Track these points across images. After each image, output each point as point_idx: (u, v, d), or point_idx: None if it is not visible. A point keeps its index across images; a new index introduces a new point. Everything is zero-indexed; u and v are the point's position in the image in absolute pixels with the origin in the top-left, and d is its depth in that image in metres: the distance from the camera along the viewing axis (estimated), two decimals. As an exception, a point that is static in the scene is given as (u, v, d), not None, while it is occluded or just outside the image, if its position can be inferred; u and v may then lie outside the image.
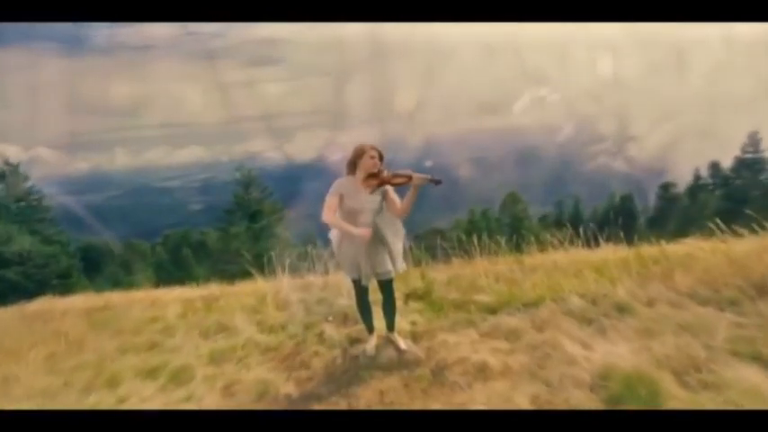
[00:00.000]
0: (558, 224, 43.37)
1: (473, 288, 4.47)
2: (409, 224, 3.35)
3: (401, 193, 3.09)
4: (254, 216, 32.02)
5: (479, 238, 5.68)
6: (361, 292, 3.37)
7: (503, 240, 5.89)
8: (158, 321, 5.39)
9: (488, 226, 35.78)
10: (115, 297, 9.62)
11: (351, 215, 3.02)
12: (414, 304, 4.36)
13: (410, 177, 2.86)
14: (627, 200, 42.51)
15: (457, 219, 44.11)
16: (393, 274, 3.23)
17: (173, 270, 42.92)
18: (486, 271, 4.89)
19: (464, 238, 5.96)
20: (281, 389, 3.13)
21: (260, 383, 3.22)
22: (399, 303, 4.33)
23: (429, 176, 2.82)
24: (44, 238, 31.07)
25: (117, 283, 31.95)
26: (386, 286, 3.29)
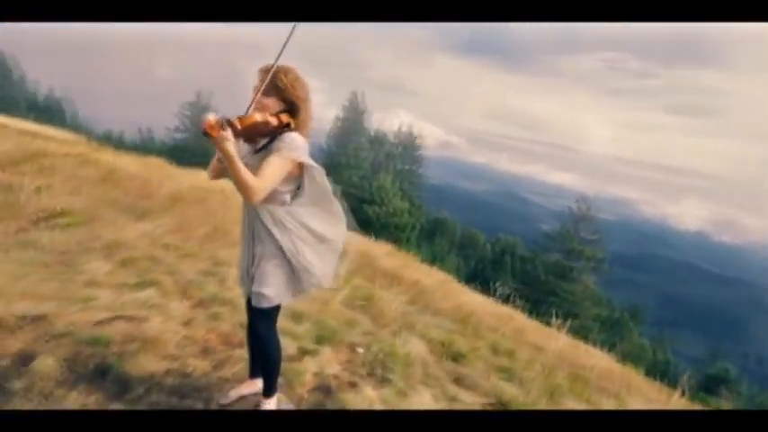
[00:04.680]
0: None
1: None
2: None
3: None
4: (569, 253, 29.59)
5: None
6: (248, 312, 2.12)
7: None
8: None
9: None
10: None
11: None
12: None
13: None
14: None
15: None
16: (268, 302, 1.84)
17: (480, 272, 45.42)
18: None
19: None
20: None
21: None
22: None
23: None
24: (404, 195, 38.76)
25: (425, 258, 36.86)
26: (253, 318, 1.97)
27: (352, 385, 2.82)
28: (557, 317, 5.85)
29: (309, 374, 2.79)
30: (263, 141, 1.76)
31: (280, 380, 2.66)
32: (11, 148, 7.98)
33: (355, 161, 40.55)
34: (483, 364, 4.09)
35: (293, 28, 1.69)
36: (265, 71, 1.74)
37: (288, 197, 1.78)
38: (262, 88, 1.71)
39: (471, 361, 4.02)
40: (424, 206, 43.52)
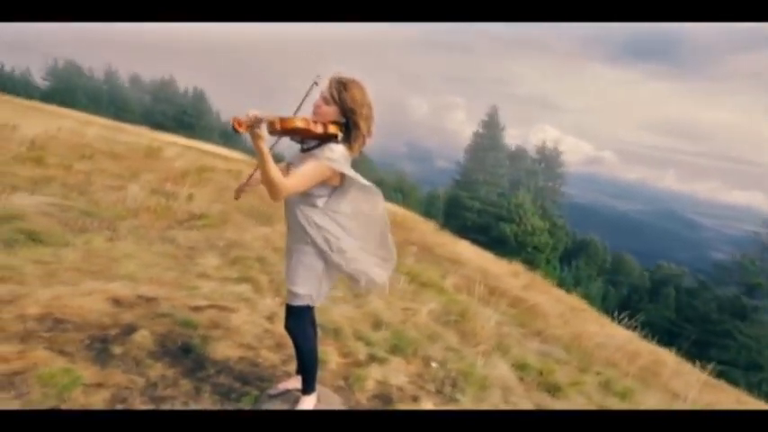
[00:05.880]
0: None
1: None
2: None
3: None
4: (751, 288, 24.32)
5: None
6: None
7: None
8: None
9: None
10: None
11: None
12: None
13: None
14: None
15: None
16: (298, 300, 1.89)
17: (633, 302, 39.81)
18: None
19: None
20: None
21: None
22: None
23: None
24: (545, 213, 36.37)
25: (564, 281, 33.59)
26: (285, 314, 1.96)
27: (414, 399, 2.72)
28: (713, 361, 4.95)
29: (372, 381, 2.77)
30: (312, 143, 1.81)
31: (341, 382, 2.71)
32: (183, 164, 9.70)
33: (492, 177, 39.51)
34: (585, 401, 3.59)
35: (314, 83, 1.76)
36: (333, 80, 1.80)
37: (319, 201, 1.82)
38: (306, 96, 1.78)
39: (570, 395, 3.56)
40: (567, 226, 40.23)
